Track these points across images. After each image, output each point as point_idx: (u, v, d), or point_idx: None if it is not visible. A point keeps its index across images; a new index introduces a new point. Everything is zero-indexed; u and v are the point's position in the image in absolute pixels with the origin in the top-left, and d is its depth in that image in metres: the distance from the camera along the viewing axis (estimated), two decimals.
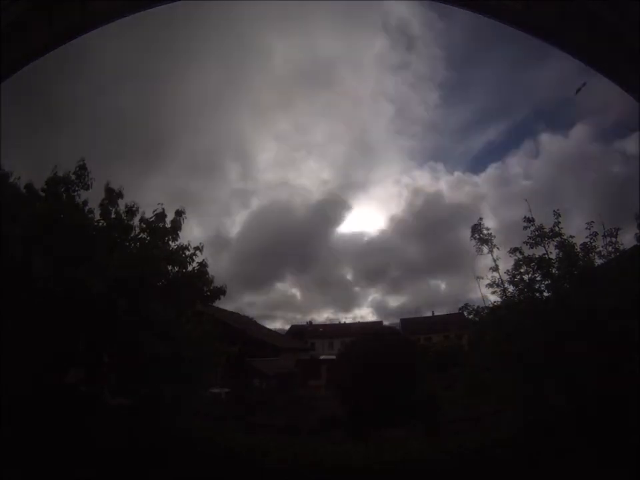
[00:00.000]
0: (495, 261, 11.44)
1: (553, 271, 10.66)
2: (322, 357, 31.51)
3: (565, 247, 10.63)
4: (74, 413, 9.06)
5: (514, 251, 11.18)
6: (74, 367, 9.94)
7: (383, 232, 66.96)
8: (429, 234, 57.59)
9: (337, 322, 48.34)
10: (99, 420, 9.08)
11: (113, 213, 9.92)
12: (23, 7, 7.03)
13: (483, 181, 67.82)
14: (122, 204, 10.14)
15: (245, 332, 24.45)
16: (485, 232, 11.67)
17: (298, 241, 53.97)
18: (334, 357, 24.00)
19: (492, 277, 11.43)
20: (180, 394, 10.38)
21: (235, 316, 29.57)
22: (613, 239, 10.47)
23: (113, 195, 10.09)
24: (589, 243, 10.59)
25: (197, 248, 10.49)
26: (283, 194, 59.80)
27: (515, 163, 65.88)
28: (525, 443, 9.41)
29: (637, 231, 10.49)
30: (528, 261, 10.93)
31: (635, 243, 10.61)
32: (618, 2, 6.87)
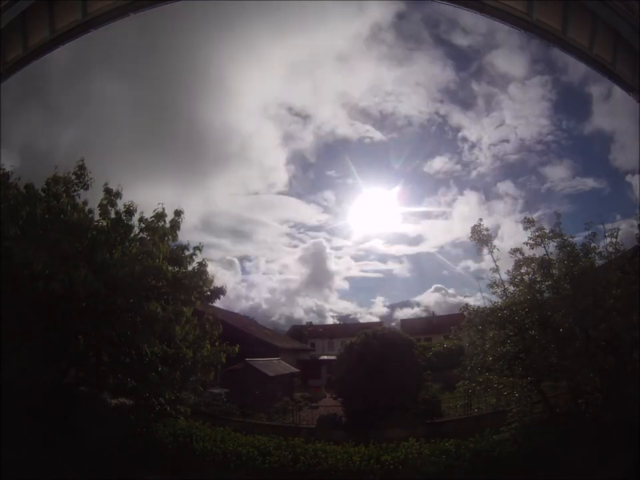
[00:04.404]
0: (495, 261, 11.45)
1: (553, 272, 10.66)
2: (322, 358, 31.47)
3: (566, 247, 10.62)
4: (74, 412, 9.08)
5: (514, 251, 11.19)
6: (74, 367, 9.94)
7: None
8: None
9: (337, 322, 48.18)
10: (98, 420, 9.07)
11: (112, 213, 9.92)
12: (23, 7, 7.06)
13: None
14: (120, 204, 10.15)
15: (245, 332, 24.43)
16: (485, 232, 11.68)
17: None
18: (334, 357, 23.98)
19: (492, 277, 11.45)
20: (179, 394, 10.38)
21: (236, 316, 29.65)
22: (613, 240, 10.46)
23: (111, 195, 10.09)
24: (589, 244, 10.59)
25: (196, 248, 10.51)
26: None
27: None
28: (525, 442, 9.41)
29: (637, 231, 10.51)
30: (528, 261, 10.93)
31: (635, 243, 10.63)
32: (618, 2, 6.90)
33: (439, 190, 61.82)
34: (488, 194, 56.83)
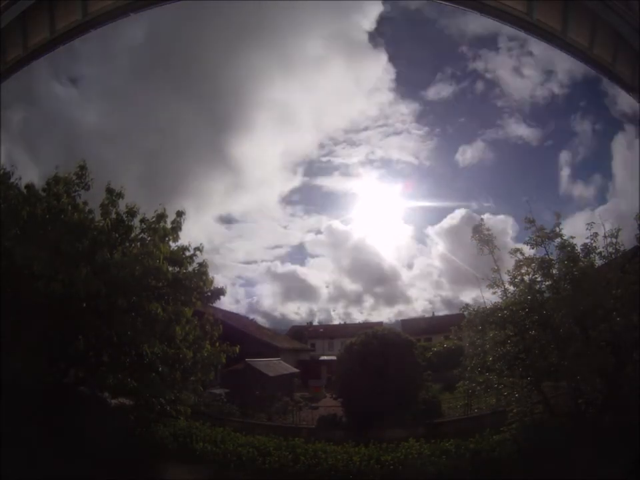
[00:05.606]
0: (495, 261, 11.46)
1: (553, 272, 10.65)
2: (322, 358, 31.44)
3: (566, 247, 10.61)
4: (74, 412, 9.07)
5: (515, 251, 11.19)
6: (74, 367, 9.94)
7: None
8: None
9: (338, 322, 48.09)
10: (98, 420, 9.07)
11: (113, 214, 9.93)
12: (23, 7, 7.07)
13: None
14: (122, 204, 10.16)
15: (246, 332, 24.43)
16: (486, 232, 11.67)
17: None
18: (334, 357, 23.97)
19: (492, 277, 11.45)
20: (179, 394, 10.38)
21: (236, 317, 29.65)
22: (614, 240, 10.45)
23: (113, 195, 10.10)
24: (589, 244, 10.58)
25: (197, 249, 10.50)
26: None
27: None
28: (525, 442, 9.41)
29: (637, 232, 10.50)
30: (528, 261, 10.92)
31: (635, 243, 10.62)
32: (618, 2, 6.91)
33: None
34: None
